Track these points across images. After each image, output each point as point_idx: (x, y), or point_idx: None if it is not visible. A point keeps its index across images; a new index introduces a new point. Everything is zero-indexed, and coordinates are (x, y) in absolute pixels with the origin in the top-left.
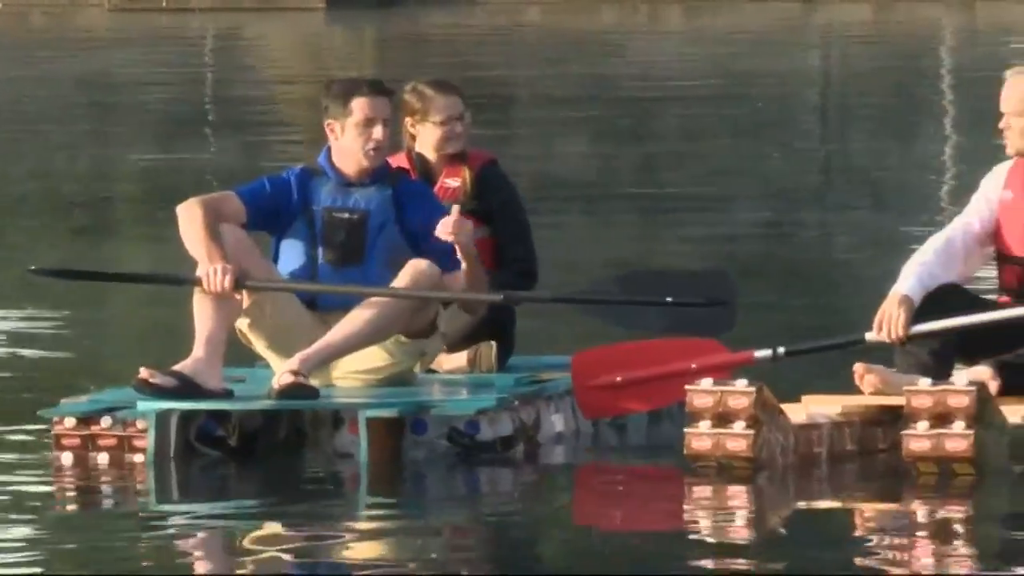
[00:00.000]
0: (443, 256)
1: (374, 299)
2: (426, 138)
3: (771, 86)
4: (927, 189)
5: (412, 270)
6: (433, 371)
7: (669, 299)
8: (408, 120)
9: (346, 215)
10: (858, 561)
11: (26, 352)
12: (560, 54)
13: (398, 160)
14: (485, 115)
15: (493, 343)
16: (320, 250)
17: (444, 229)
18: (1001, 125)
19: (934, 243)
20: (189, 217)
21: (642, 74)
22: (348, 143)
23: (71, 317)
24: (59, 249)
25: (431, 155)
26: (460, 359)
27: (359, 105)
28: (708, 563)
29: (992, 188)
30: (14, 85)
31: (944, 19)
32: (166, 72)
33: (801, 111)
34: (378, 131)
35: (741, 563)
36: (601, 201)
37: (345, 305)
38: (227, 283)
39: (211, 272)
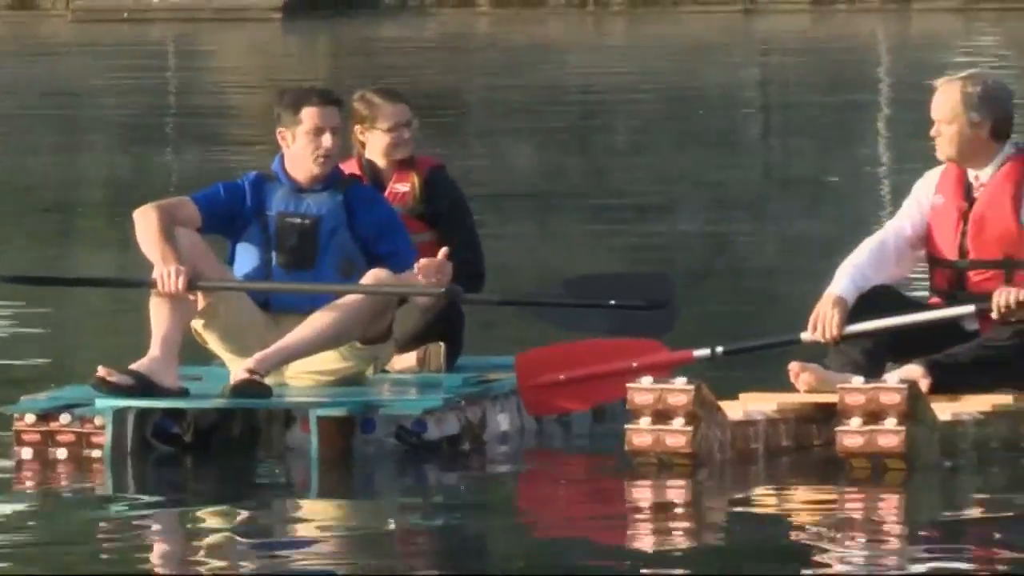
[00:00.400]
0: (394, 259)
1: (334, 304)
2: (375, 144)
3: (713, 94)
4: (864, 194)
5: (373, 278)
6: (384, 370)
7: (612, 302)
8: (357, 127)
9: (298, 220)
10: (793, 554)
11: None
12: (509, 64)
13: (349, 166)
14: (435, 122)
15: (442, 344)
16: (273, 254)
17: (426, 273)
18: (932, 132)
19: (867, 246)
20: (145, 221)
21: (588, 83)
22: (299, 151)
23: (32, 317)
24: (26, 253)
25: (380, 161)
26: (410, 359)
27: (309, 114)
28: (648, 559)
29: (924, 193)
30: None
31: (880, 29)
32: (128, 80)
33: (742, 118)
34: (327, 139)
35: (679, 559)
36: (548, 207)
37: (297, 307)
38: (180, 284)
39: (165, 274)
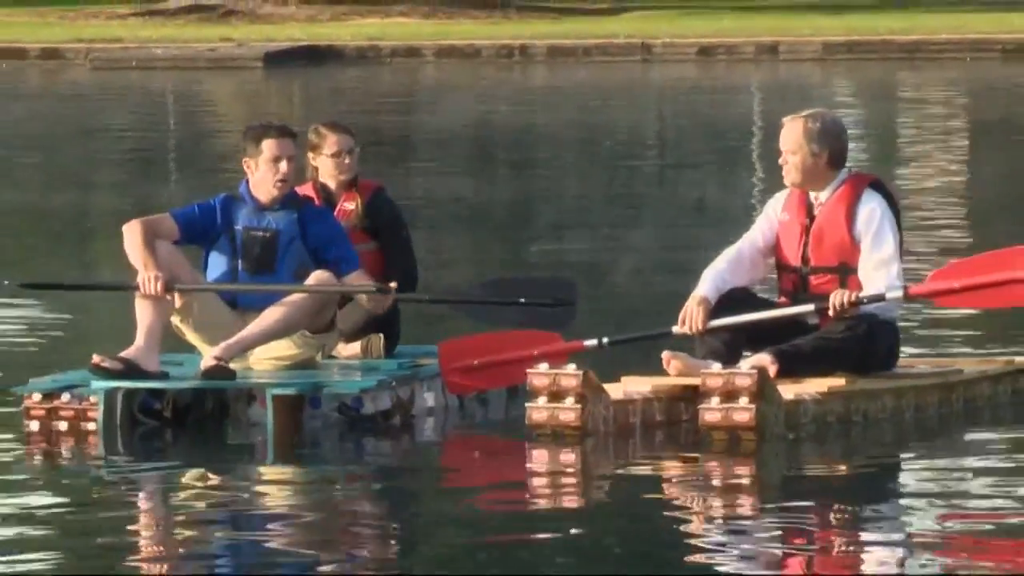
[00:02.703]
0: (340, 265)
1: (284, 301)
2: (323, 168)
3: (618, 129)
4: (735, 211)
5: (315, 278)
6: (333, 357)
7: (522, 300)
8: (310, 155)
9: (261, 233)
10: (664, 507)
11: (1, 340)
12: (450, 104)
13: (305, 189)
14: (386, 150)
15: (381, 335)
16: (240, 261)
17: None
18: (780, 161)
19: (727, 254)
20: (130, 235)
21: (515, 119)
22: (261, 176)
23: (40, 314)
24: (46, 267)
25: (330, 183)
26: (355, 348)
27: (268, 146)
28: (543, 511)
29: (773, 210)
30: (10, 128)
31: (754, 76)
32: (136, 120)
33: (642, 150)
34: (284, 166)
35: (569, 511)
36: (476, 222)
37: (259, 305)
38: (159, 288)
39: (146, 279)
